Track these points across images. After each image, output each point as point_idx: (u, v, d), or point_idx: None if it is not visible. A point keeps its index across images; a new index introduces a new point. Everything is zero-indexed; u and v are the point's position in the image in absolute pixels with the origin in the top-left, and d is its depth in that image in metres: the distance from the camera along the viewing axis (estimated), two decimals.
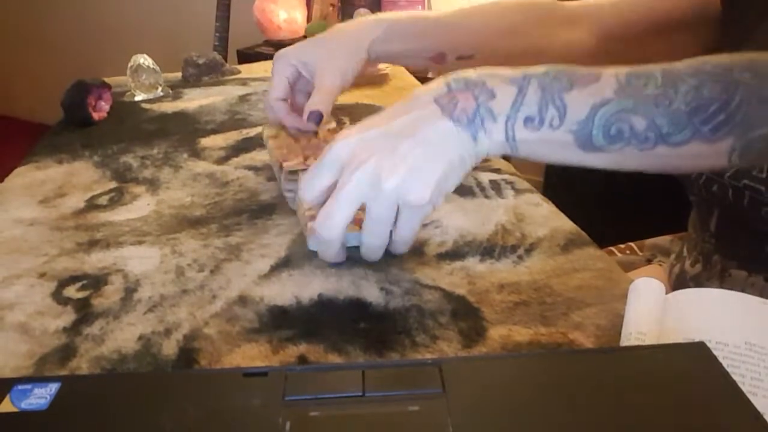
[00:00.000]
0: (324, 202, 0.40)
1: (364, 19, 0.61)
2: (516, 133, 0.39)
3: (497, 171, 0.61)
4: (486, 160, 0.60)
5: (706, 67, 0.38)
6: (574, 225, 0.51)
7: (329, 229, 0.40)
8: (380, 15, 0.62)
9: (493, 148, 0.40)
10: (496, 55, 0.61)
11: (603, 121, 0.38)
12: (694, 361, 0.28)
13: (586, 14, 0.63)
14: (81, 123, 0.78)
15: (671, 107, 0.37)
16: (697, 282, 0.58)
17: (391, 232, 0.42)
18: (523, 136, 0.39)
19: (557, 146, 0.39)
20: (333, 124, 0.63)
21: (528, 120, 0.38)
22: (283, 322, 0.40)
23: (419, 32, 0.60)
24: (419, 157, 0.38)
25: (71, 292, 0.44)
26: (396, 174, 0.38)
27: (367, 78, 0.90)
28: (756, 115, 0.37)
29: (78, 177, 0.63)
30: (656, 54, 0.63)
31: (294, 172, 0.51)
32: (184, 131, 0.76)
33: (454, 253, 0.47)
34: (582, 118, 0.38)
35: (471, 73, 0.40)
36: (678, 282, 0.61)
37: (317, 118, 0.56)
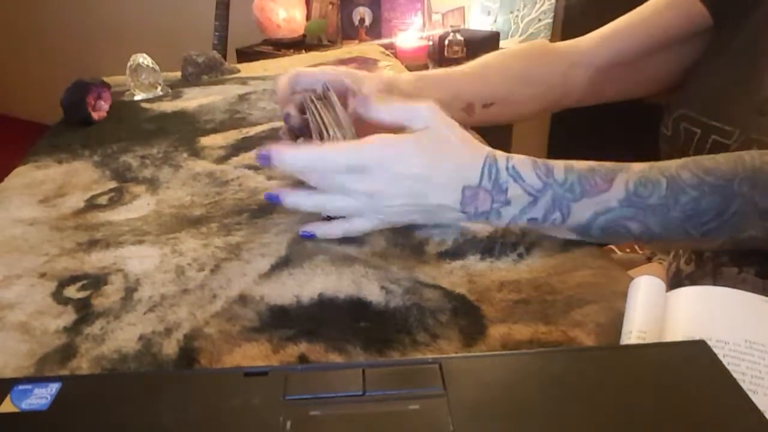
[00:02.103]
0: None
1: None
2: (518, 225, 0.43)
3: None
4: None
5: (709, 179, 0.40)
6: None
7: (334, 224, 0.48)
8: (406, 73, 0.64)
9: None
10: (510, 101, 0.65)
11: (602, 224, 0.42)
12: (695, 360, 0.28)
13: (579, 51, 0.66)
14: (80, 122, 0.78)
15: (668, 215, 0.40)
16: (692, 280, 0.58)
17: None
18: (523, 226, 0.44)
19: (554, 233, 0.45)
20: None
21: (532, 220, 0.43)
22: (283, 321, 0.40)
23: (449, 80, 0.63)
24: (421, 220, 0.46)
25: (71, 291, 0.44)
26: (399, 219, 0.46)
27: None
28: (747, 221, 0.39)
29: (78, 177, 0.63)
30: (653, 70, 0.64)
31: None
32: (184, 130, 0.75)
33: (454, 252, 0.47)
34: (583, 222, 0.42)
35: (503, 170, 0.42)
36: (674, 280, 0.62)
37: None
